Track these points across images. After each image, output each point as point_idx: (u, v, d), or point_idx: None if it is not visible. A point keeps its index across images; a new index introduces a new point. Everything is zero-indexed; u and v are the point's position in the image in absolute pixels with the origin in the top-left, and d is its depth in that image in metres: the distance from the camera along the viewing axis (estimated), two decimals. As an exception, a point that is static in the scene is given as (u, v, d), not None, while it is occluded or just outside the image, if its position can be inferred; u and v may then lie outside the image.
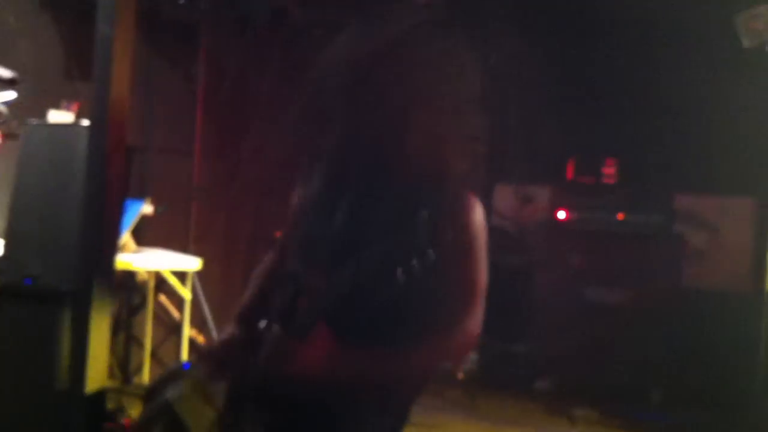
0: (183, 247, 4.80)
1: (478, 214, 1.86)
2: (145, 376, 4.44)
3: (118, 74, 3.05)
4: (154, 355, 4.54)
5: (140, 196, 4.23)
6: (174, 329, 4.56)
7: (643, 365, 5.17)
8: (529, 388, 5.31)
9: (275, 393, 1.84)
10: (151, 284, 4.47)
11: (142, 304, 4.53)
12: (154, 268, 4.30)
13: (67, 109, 3.52)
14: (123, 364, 4.58)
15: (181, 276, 4.41)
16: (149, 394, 2.53)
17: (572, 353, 5.19)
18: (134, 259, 4.06)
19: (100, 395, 2.91)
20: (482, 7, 5.14)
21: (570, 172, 6.01)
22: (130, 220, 4.01)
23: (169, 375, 2.48)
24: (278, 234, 5.25)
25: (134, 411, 3.57)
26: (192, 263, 4.39)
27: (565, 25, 6.06)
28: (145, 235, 4.43)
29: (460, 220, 1.83)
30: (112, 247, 3.11)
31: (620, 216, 5.68)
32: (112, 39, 3.03)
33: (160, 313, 4.64)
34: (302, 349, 1.74)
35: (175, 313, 4.58)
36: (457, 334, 1.81)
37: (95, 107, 3.06)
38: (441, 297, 1.79)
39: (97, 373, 2.91)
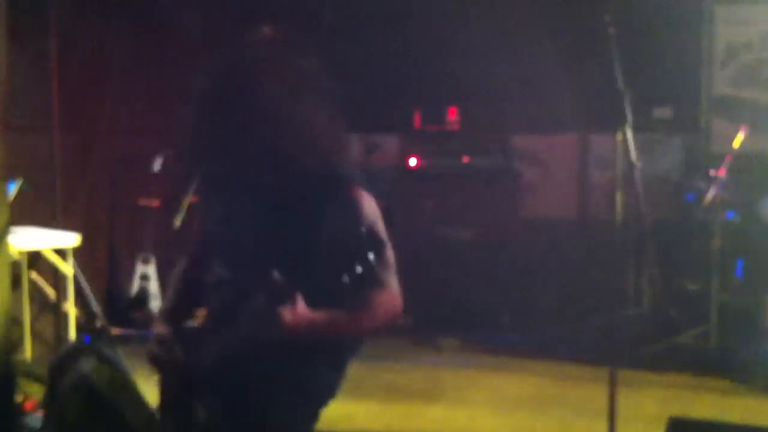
0: (48, 223, 4.87)
1: (368, 204, 2.19)
2: (27, 354, 4.54)
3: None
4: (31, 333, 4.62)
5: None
6: (50, 306, 4.66)
7: (493, 293, 5.70)
8: (397, 326, 5.71)
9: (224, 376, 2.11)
10: (25, 262, 4.55)
11: (16, 283, 4.60)
12: (35, 247, 4.38)
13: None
14: None
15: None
16: (56, 371, 2.69)
17: (430, 289, 5.63)
18: (14, 239, 4.13)
19: (7, 377, 2.99)
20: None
21: (417, 121, 6.39)
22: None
23: (74, 350, 2.65)
24: (142, 202, 5.35)
25: (29, 389, 3.65)
26: (71, 239, 4.49)
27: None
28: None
29: (352, 213, 2.15)
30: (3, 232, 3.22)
31: (465, 159, 6.14)
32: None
33: (33, 291, 4.72)
34: (281, 315, 2.00)
35: (50, 291, 4.67)
36: (380, 307, 2.16)
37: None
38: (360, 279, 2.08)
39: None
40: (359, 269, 2.05)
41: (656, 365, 4.81)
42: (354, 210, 2.15)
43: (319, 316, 2.06)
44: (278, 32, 2.26)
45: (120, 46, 5.67)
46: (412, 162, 6.13)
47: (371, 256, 2.08)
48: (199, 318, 2.25)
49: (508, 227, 5.93)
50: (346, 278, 2.03)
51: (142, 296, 5.04)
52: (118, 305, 5.16)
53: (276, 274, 1.99)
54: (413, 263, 6.13)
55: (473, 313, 5.69)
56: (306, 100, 2.16)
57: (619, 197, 4.59)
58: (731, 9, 6.22)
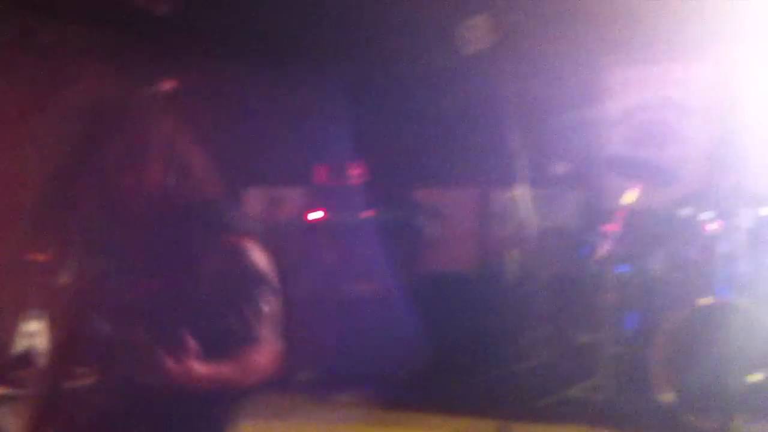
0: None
1: (255, 256, 2.15)
2: None
3: None
4: None
5: None
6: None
7: (389, 348, 5.67)
8: (291, 382, 5.63)
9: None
10: None
11: None
12: None
13: None
14: None
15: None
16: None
17: (329, 345, 5.59)
18: None
19: None
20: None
21: (320, 175, 6.41)
22: None
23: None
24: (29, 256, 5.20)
25: None
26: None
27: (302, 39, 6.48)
28: None
29: (240, 263, 2.12)
30: None
31: (368, 213, 6.16)
32: None
33: None
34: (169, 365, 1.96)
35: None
36: (254, 360, 2.11)
37: None
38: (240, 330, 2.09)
39: None
40: (233, 323, 2.03)
41: (548, 418, 4.84)
42: (233, 260, 2.13)
43: (195, 369, 2.00)
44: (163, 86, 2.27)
45: (8, 94, 5.56)
46: (315, 216, 6.13)
47: (246, 309, 2.05)
48: (82, 377, 2.18)
49: (407, 281, 5.94)
50: (220, 331, 2.01)
51: (28, 354, 4.87)
52: (2, 363, 4.97)
53: (156, 327, 1.98)
54: (311, 318, 6.15)
55: (368, 367, 5.65)
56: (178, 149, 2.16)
57: (513, 252, 4.68)
58: (628, 70, 6.46)
